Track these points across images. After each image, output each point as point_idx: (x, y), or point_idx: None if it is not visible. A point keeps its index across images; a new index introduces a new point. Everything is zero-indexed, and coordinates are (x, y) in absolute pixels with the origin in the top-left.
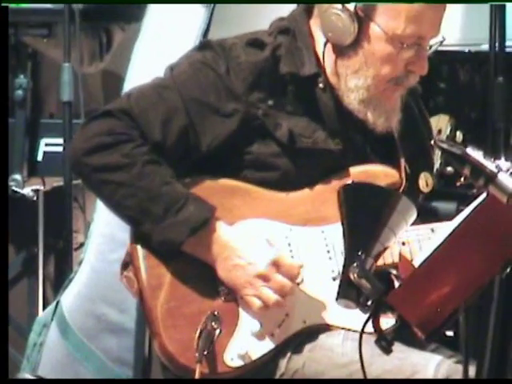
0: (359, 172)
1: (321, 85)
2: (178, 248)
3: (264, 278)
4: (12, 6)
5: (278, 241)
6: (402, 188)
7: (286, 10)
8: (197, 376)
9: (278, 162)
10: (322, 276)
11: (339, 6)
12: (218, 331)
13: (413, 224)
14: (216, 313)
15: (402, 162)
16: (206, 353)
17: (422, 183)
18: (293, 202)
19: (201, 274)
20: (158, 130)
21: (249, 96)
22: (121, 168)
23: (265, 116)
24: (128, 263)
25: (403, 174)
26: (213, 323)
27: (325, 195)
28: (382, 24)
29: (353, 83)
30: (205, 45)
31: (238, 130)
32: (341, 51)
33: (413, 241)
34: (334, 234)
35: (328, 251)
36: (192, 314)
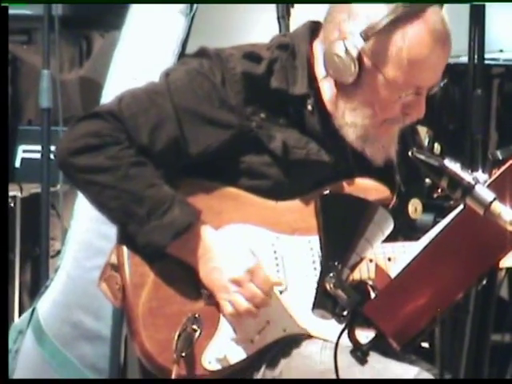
0: (349, 184)
1: (309, 107)
2: (162, 251)
3: (237, 283)
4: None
5: (263, 248)
6: (391, 206)
7: (263, 24)
8: (173, 377)
9: (271, 172)
10: (306, 285)
11: (341, 47)
12: (197, 333)
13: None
14: (197, 315)
15: (398, 179)
16: (184, 354)
17: (411, 209)
18: (281, 210)
19: (184, 276)
20: (145, 136)
21: (242, 108)
22: (106, 170)
23: (258, 128)
24: (109, 265)
25: (396, 192)
26: (193, 325)
27: (313, 206)
28: (384, 71)
29: (350, 119)
30: (202, 52)
31: (231, 140)
32: (341, 87)
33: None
34: None
35: (313, 261)
36: (173, 315)
